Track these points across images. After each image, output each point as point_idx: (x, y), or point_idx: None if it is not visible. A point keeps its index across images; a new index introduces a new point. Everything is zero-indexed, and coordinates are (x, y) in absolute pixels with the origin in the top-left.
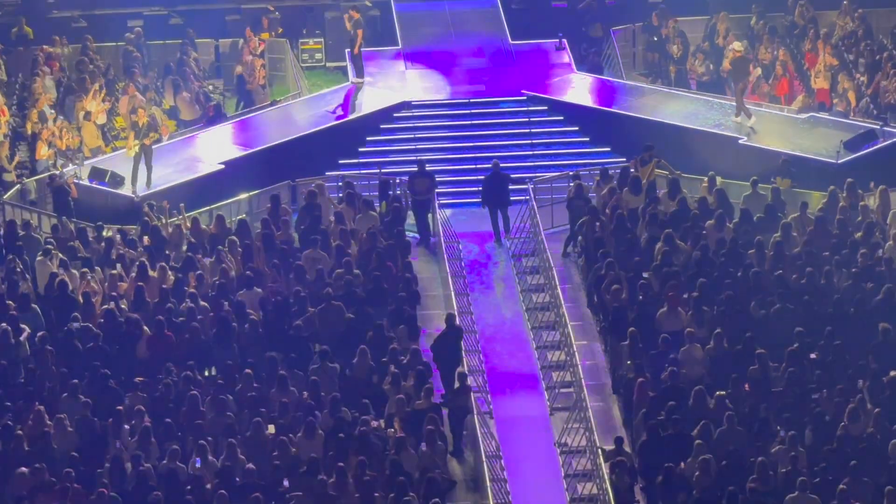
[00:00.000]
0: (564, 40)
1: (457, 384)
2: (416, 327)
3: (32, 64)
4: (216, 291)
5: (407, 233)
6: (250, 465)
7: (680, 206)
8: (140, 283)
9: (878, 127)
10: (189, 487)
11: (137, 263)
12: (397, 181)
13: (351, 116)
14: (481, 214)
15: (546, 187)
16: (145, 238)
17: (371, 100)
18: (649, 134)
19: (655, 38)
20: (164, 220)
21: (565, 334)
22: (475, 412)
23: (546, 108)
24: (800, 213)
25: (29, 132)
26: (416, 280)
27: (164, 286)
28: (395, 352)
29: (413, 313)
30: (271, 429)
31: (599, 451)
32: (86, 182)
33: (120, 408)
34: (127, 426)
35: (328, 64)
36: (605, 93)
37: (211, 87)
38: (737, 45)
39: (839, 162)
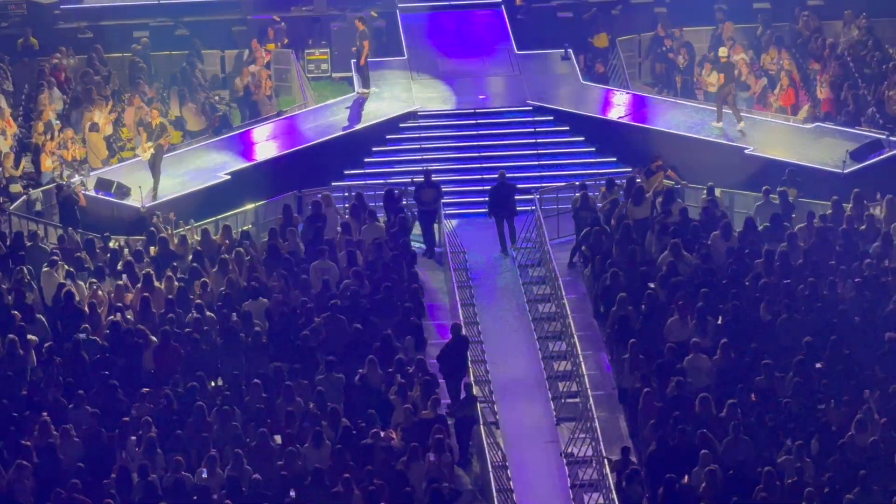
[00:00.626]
0: (570, 50)
1: (463, 394)
2: (422, 338)
3: (38, 75)
4: (222, 302)
5: (413, 243)
6: (256, 476)
7: (681, 216)
8: (146, 294)
9: (885, 136)
10: (195, 498)
11: (143, 274)
12: (404, 191)
13: (357, 127)
14: (487, 225)
15: (552, 197)
16: (152, 249)
17: (377, 110)
18: (655, 144)
19: (661, 49)
20: (170, 231)
21: (571, 344)
22: (481, 422)
23: (552, 118)
24: (806, 223)
25: (34, 143)
26: (423, 290)
27: (170, 297)
28: (401, 362)
29: (419, 323)
30: (278, 439)
31: (606, 461)
32: (92, 193)
33: (126, 419)
34: (133, 437)
35: (334, 74)
36: (611, 102)
37: (217, 98)
38: (721, 51)
39: (845, 172)
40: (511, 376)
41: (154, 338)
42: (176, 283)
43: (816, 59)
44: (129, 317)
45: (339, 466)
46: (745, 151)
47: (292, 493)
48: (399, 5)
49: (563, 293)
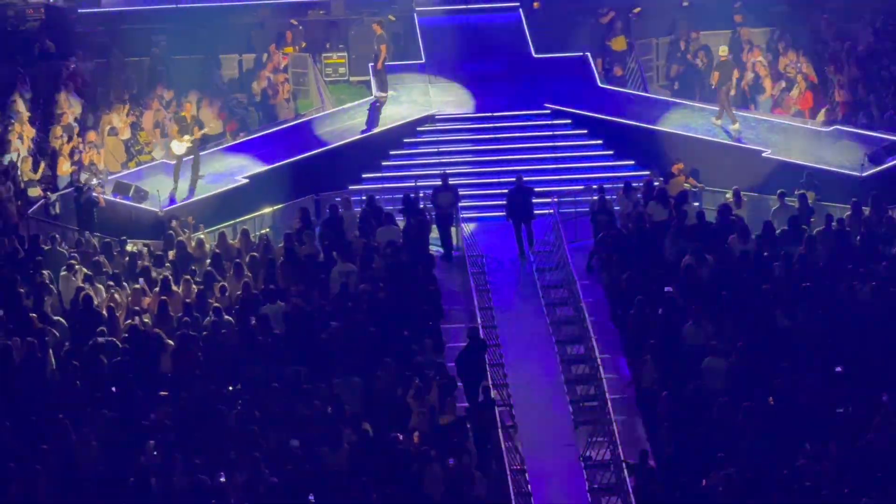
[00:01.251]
0: (588, 53)
1: (481, 398)
2: (440, 341)
3: (56, 79)
4: (240, 305)
5: (431, 247)
6: (274, 479)
7: (698, 219)
8: (163, 298)
9: None
10: (213, 502)
11: (161, 278)
12: (421, 195)
13: (375, 130)
14: (505, 228)
15: (570, 201)
16: (170, 252)
17: (394, 114)
18: (673, 147)
19: (679, 53)
20: (188, 235)
21: (589, 348)
22: (499, 426)
23: (570, 121)
24: (825, 226)
25: (52, 147)
26: (441, 294)
27: (187, 300)
28: (419, 365)
29: (437, 327)
30: (296, 443)
31: (624, 464)
32: (110, 197)
33: (144, 422)
34: (151, 441)
35: (352, 78)
36: (629, 106)
37: (235, 102)
38: (721, 50)
39: (863, 175)
40: (529, 380)
41: (171, 341)
42: (194, 286)
43: (834, 62)
44: (146, 320)
45: (358, 470)
46: (763, 155)
47: (311, 498)
48: (416, 9)
49: (581, 296)
